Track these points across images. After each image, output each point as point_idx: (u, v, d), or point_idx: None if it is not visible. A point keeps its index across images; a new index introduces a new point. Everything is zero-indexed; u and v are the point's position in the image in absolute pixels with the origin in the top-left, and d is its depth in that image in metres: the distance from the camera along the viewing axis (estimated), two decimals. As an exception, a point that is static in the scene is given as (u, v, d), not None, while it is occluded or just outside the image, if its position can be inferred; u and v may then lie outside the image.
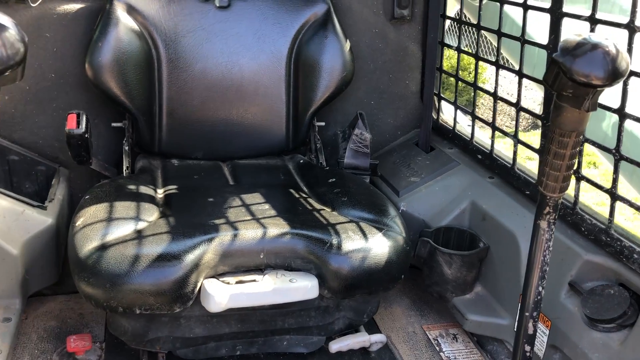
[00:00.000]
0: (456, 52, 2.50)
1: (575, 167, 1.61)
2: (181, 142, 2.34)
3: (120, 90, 2.21)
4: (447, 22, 2.61)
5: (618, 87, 1.37)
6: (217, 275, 1.73)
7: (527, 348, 1.58)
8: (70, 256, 1.73)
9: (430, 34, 2.54)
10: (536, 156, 2.06)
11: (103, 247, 1.68)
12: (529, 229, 1.53)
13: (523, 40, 2.04)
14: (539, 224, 1.47)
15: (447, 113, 2.71)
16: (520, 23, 2.07)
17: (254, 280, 1.72)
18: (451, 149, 2.50)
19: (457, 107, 2.49)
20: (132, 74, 2.22)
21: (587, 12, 1.72)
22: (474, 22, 2.38)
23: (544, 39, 1.94)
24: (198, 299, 1.70)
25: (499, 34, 2.19)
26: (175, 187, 2.08)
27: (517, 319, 1.61)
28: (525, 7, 2.02)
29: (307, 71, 2.37)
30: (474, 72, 2.47)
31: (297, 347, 1.93)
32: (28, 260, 1.97)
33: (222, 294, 1.67)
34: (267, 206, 1.93)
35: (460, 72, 2.50)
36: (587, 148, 1.86)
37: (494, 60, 2.27)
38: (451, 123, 2.55)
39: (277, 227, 1.79)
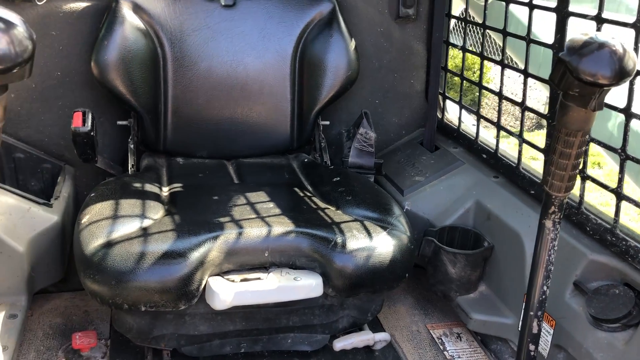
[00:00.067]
0: (461, 52, 2.50)
1: (580, 167, 1.61)
2: (186, 140, 2.35)
3: (125, 89, 2.22)
4: (452, 21, 2.61)
5: (624, 86, 1.37)
6: (222, 273, 1.74)
7: (532, 347, 1.58)
8: (76, 253, 1.74)
9: (436, 33, 2.54)
10: (540, 156, 2.06)
11: (109, 245, 1.69)
12: (534, 228, 1.53)
13: (529, 39, 2.04)
14: (544, 223, 1.47)
15: (451, 112, 2.71)
16: (526, 22, 2.07)
17: (259, 278, 1.73)
18: (456, 148, 2.50)
19: (462, 107, 2.49)
20: (137, 73, 2.23)
21: (594, 12, 1.72)
22: (479, 21, 2.38)
23: (548, 39, 1.94)
24: (203, 296, 1.71)
25: (505, 33, 2.18)
26: (180, 185, 2.09)
27: (521, 318, 1.61)
28: (531, 7, 2.02)
29: (312, 70, 2.38)
30: (478, 72, 2.46)
31: (301, 345, 1.94)
32: (34, 257, 1.98)
33: (226, 292, 1.67)
34: (271, 205, 1.93)
35: (464, 71, 2.49)
36: (592, 148, 1.86)
37: (498, 59, 2.26)
38: (456, 122, 2.55)
39: (282, 226, 1.79)
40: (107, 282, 1.65)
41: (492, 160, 2.28)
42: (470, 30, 2.48)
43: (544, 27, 2.30)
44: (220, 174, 2.24)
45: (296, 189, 2.10)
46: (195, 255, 1.67)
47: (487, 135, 2.56)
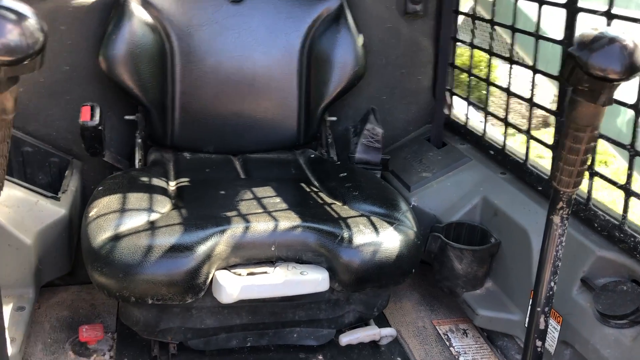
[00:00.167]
0: (468, 50, 2.49)
1: (589, 163, 1.61)
2: (193, 135, 2.35)
3: (133, 83, 2.23)
4: (460, 17, 2.60)
5: (634, 82, 1.36)
6: (228, 267, 1.74)
7: (538, 343, 1.57)
8: (84, 246, 1.75)
9: (443, 29, 2.53)
10: (546, 154, 2.06)
11: (116, 238, 1.69)
12: (541, 224, 1.53)
13: (537, 36, 2.03)
14: (552, 219, 1.46)
15: (459, 109, 2.70)
16: (534, 19, 2.06)
17: (265, 272, 1.73)
18: (463, 144, 2.50)
19: (469, 103, 2.49)
20: (145, 67, 2.23)
21: (603, 8, 1.71)
22: (488, 17, 2.37)
23: (556, 36, 1.93)
24: (210, 290, 1.71)
25: (513, 29, 2.18)
26: (187, 179, 2.09)
27: (528, 314, 1.61)
28: (540, 2, 2.01)
29: (319, 66, 2.38)
30: (485, 69, 2.46)
31: (307, 339, 1.94)
32: (41, 250, 1.99)
33: (233, 286, 1.68)
34: (278, 199, 1.94)
35: (472, 69, 2.49)
36: (598, 147, 1.85)
37: (506, 56, 2.26)
38: (463, 119, 2.54)
39: (289, 220, 1.79)
40: (115, 274, 1.65)
41: (499, 157, 2.27)
42: (478, 27, 2.47)
43: (552, 24, 2.29)
44: (227, 169, 2.25)
45: (303, 184, 2.11)
46: (203, 248, 1.68)
47: (495, 132, 2.55)
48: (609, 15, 1.69)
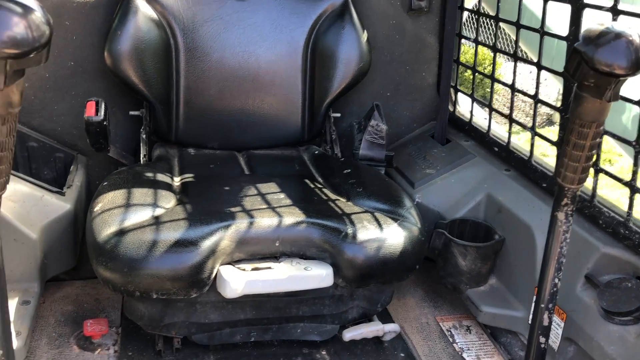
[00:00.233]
0: (472, 48, 2.48)
1: (594, 160, 1.60)
2: (197, 131, 2.35)
3: (138, 79, 2.23)
4: (465, 13, 2.60)
5: (640, 77, 1.36)
6: (233, 262, 1.75)
7: (542, 340, 1.57)
8: (89, 241, 1.75)
9: (448, 25, 2.53)
10: (550, 153, 2.05)
11: (121, 232, 1.70)
12: (545, 221, 1.52)
13: (542, 32, 2.03)
14: (556, 215, 1.46)
15: (463, 106, 2.70)
16: (539, 15, 2.05)
17: (270, 268, 1.74)
18: (467, 141, 2.49)
19: (473, 100, 2.48)
20: (150, 63, 2.24)
21: (609, 3, 1.70)
22: (492, 14, 2.37)
23: (561, 33, 1.92)
24: (214, 284, 1.72)
25: (518, 25, 2.17)
26: (191, 175, 2.10)
27: (532, 311, 1.61)
28: (546, -2, 2.00)
29: (323, 62, 2.38)
30: (489, 67, 2.45)
31: (311, 334, 1.95)
32: (46, 244, 2.00)
33: (237, 281, 1.68)
34: (282, 195, 1.94)
35: (476, 66, 2.48)
36: (603, 145, 1.85)
37: (511, 53, 2.25)
38: (467, 116, 2.54)
39: (293, 216, 1.80)
40: (120, 269, 1.66)
41: (503, 153, 2.27)
42: (482, 23, 2.46)
43: (557, 21, 2.28)
44: (231, 165, 2.25)
45: (307, 181, 2.11)
46: (207, 243, 1.68)
47: (499, 129, 2.55)
48: (615, 11, 1.68)
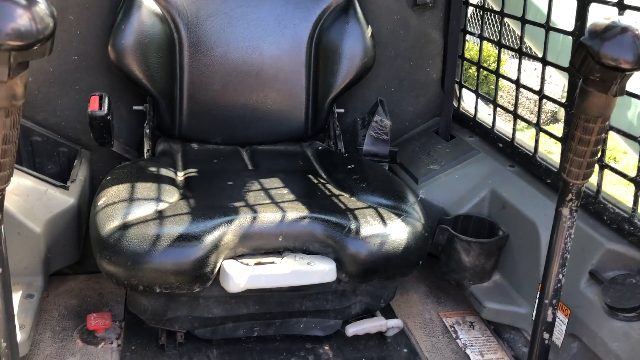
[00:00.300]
0: (476, 45, 2.47)
1: (598, 156, 1.59)
2: (201, 126, 2.35)
3: (142, 73, 2.23)
4: (470, 9, 2.59)
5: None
6: (236, 257, 1.74)
7: (546, 336, 1.57)
8: (92, 235, 1.76)
9: (453, 21, 2.52)
10: (554, 150, 2.04)
11: (125, 226, 1.70)
12: (550, 217, 1.52)
13: (548, 27, 2.02)
14: (561, 211, 1.46)
15: (467, 101, 2.69)
16: (544, 10, 2.04)
17: (273, 262, 1.74)
18: (472, 137, 2.48)
19: (478, 95, 2.48)
20: (154, 57, 2.23)
21: (615, -2, 1.69)
22: (497, 9, 2.36)
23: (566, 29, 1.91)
24: (217, 279, 1.72)
25: (523, 20, 2.16)
26: (195, 170, 2.10)
27: (536, 307, 1.61)
28: (551, -7, 1.99)
29: (327, 57, 2.37)
30: (494, 64, 2.44)
31: (314, 329, 1.95)
32: (50, 238, 2.00)
33: (241, 275, 1.68)
34: (285, 190, 1.94)
35: (481, 62, 2.47)
36: (609, 142, 1.84)
37: (516, 49, 2.24)
38: (472, 111, 2.53)
39: (296, 211, 1.79)
40: (123, 263, 1.66)
41: (508, 149, 2.26)
42: (487, 19, 2.46)
43: (562, 16, 2.27)
44: (235, 160, 2.25)
45: (310, 176, 2.10)
46: (210, 238, 1.68)
47: (503, 125, 2.54)
48: (621, 6, 1.67)
